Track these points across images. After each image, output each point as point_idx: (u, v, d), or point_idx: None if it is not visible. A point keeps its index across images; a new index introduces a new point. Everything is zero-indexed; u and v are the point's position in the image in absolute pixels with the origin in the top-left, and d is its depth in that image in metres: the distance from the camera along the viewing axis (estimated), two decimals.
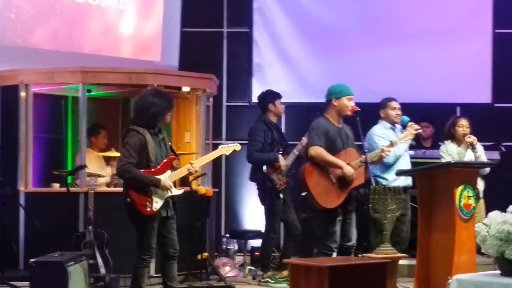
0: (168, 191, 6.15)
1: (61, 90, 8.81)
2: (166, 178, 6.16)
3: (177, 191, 6.29)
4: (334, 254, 6.41)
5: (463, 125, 7.90)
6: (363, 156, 6.39)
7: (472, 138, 7.70)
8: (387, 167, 7.42)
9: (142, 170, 6.09)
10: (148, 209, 6.06)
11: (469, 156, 7.78)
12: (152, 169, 6.14)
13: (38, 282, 5.75)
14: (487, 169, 7.78)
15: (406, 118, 7.43)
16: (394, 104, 7.64)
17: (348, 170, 6.38)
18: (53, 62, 8.68)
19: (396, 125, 7.69)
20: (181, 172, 6.37)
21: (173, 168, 6.31)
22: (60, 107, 9.06)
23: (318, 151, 6.40)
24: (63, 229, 7.49)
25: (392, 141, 6.82)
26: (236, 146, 6.70)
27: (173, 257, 6.30)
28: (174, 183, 6.31)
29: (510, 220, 4.59)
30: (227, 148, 6.67)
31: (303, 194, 6.36)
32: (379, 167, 7.43)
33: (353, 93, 6.57)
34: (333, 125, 6.54)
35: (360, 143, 6.64)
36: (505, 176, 8.08)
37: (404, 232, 7.49)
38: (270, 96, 8.23)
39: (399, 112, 7.62)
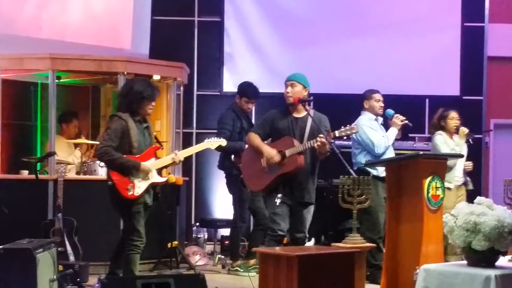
0: (150, 177, 6.14)
1: (31, 77, 8.75)
2: (148, 164, 6.15)
3: (160, 179, 6.30)
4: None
5: (454, 118, 7.98)
6: (300, 145, 6.24)
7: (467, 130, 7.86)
8: (377, 157, 7.35)
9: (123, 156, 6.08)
10: (130, 193, 6.05)
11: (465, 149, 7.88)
12: (136, 156, 6.13)
13: (5, 269, 5.68)
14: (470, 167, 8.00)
15: (391, 111, 7.49)
16: (378, 96, 7.62)
17: (268, 153, 6.26)
18: (24, 48, 8.59)
19: (378, 116, 7.68)
20: (165, 161, 6.38)
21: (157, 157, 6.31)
22: (30, 93, 8.99)
23: (250, 136, 6.48)
24: (32, 216, 7.47)
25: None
26: (222, 141, 6.79)
27: (130, 245, 6.15)
28: (160, 171, 6.32)
29: (477, 211, 4.65)
30: (212, 142, 6.70)
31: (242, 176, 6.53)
32: (369, 158, 7.40)
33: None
34: (288, 115, 6.42)
35: None
36: (473, 167, 8.17)
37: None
38: (241, 90, 8.22)
39: (382, 105, 7.63)
